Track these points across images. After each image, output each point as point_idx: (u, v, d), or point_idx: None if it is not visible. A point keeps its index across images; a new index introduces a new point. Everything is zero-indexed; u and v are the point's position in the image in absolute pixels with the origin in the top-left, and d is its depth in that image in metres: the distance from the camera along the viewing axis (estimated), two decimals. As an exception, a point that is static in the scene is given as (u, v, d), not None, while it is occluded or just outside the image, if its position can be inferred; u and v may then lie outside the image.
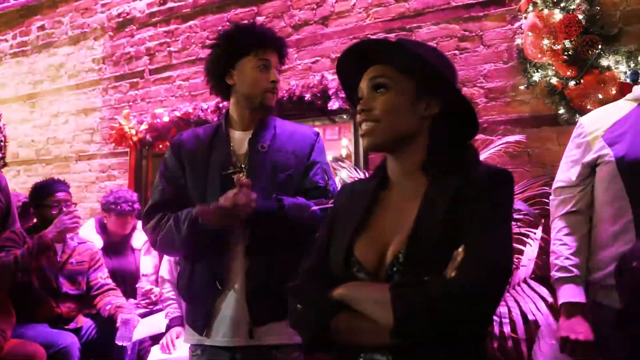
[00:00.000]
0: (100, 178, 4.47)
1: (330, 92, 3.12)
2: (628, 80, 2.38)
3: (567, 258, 1.76)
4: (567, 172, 1.85)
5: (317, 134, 1.86)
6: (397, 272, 1.01)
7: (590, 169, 1.79)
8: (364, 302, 0.99)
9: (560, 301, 1.77)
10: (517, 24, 2.72)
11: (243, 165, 1.74)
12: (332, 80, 3.19)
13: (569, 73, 2.51)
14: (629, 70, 2.41)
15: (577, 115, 2.54)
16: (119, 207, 3.27)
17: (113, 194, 3.36)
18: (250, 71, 1.76)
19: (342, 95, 3.11)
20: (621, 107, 1.80)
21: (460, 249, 0.93)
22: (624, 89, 2.36)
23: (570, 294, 1.73)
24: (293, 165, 1.74)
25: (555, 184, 1.88)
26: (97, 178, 4.48)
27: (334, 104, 3.08)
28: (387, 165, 1.16)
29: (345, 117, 3.22)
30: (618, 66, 2.43)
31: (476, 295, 0.90)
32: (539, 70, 2.62)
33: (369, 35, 3.24)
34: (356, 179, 2.62)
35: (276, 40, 1.82)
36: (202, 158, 1.78)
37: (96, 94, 4.57)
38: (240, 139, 1.79)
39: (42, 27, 5.00)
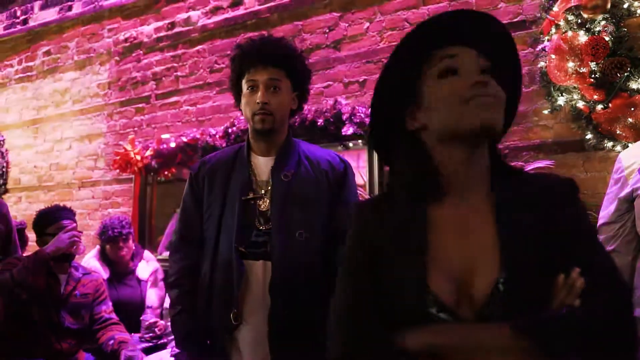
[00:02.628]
0: (104, 205, 4.35)
1: (344, 117, 3.02)
2: (660, 104, 2.28)
3: None
4: (606, 209, 1.79)
5: (346, 165, 1.71)
6: (500, 306, 0.84)
7: (627, 204, 1.72)
8: (477, 351, 0.81)
9: None
10: (539, 47, 2.63)
11: (264, 192, 1.64)
12: (345, 104, 3.09)
13: (596, 97, 2.41)
14: (660, 93, 2.32)
15: (606, 140, 2.44)
16: (103, 236, 3.24)
17: (102, 223, 3.33)
18: (244, 94, 1.67)
19: (356, 120, 3.01)
20: None
21: (574, 274, 0.83)
22: (656, 113, 2.26)
23: None
24: (320, 197, 1.61)
25: (598, 222, 1.80)
26: (101, 205, 4.36)
27: (348, 130, 2.97)
28: (439, 168, 0.99)
29: (360, 143, 3.10)
30: (647, 89, 2.33)
31: (622, 321, 0.82)
32: (563, 94, 2.52)
33: (382, 59, 3.16)
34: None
35: (265, 56, 1.63)
36: (220, 182, 1.69)
37: (101, 119, 4.48)
38: (261, 164, 1.69)
39: (47, 52, 4.95)
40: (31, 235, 3.10)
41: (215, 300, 1.62)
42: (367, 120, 2.98)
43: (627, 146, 2.38)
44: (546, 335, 0.78)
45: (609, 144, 2.44)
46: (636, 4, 2.45)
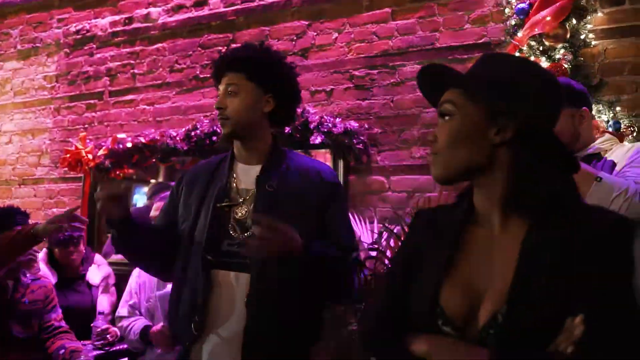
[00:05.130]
0: (47, 204, 4.13)
1: (312, 126, 3.04)
2: (611, 130, 2.47)
3: None
4: None
5: (338, 181, 1.71)
6: (494, 335, 0.88)
7: None
8: None
9: None
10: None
11: (242, 200, 1.61)
12: (313, 113, 3.12)
13: (554, 119, 2.57)
14: (610, 119, 2.51)
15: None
16: (52, 239, 3.06)
17: None
18: None
19: (324, 129, 3.04)
20: None
21: (577, 319, 0.80)
22: (608, 138, 2.45)
23: None
24: (306, 211, 1.58)
25: None
26: (44, 204, 4.14)
27: (316, 139, 3.00)
28: (473, 193, 1.02)
29: (327, 152, 3.12)
30: (600, 115, 2.52)
31: None
32: (524, 115, 2.67)
33: (350, 70, 3.22)
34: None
35: (223, 64, 1.64)
36: (198, 189, 1.67)
37: (46, 113, 4.25)
38: (244, 172, 1.66)
39: (-14, 38, 4.64)
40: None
41: (181, 307, 1.60)
42: (334, 129, 3.03)
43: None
44: None
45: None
46: (591, 35, 2.64)
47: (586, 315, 0.80)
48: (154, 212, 2.72)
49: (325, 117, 3.04)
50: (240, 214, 1.60)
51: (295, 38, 3.40)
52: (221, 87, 1.63)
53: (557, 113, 0.99)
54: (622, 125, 2.47)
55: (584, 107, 1.88)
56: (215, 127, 3.28)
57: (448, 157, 0.97)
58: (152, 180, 3.81)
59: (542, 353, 0.82)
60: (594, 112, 2.50)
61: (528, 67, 1.01)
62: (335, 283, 1.60)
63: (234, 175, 1.66)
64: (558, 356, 0.80)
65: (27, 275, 2.76)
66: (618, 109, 2.55)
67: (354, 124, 3.02)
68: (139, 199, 3.87)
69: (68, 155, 3.74)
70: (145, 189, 3.72)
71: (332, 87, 3.25)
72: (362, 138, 3.02)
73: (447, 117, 0.98)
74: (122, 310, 2.77)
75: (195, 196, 1.66)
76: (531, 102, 0.94)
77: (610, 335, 0.80)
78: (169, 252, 1.66)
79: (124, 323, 2.68)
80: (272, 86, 1.64)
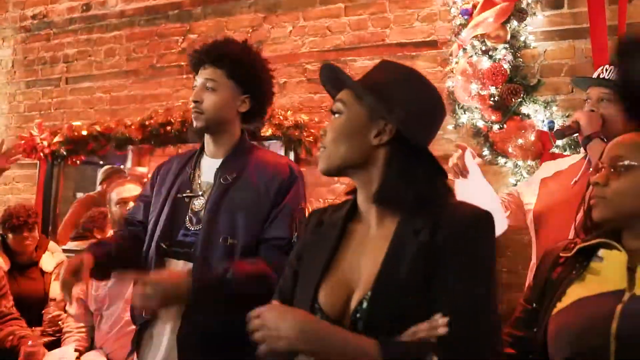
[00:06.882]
0: (3, 190, 4.10)
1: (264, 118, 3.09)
2: (545, 129, 2.59)
3: None
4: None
5: (296, 172, 1.67)
6: (360, 319, 0.95)
7: None
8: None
9: None
10: (448, 67, 2.86)
11: (201, 193, 1.65)
12: (265, 105, 3.16)
13: (493, 117, 2.68)
14: (546, 119, 2.62)
15: (499, 157, 2.72)
16: (7, 224, 3.06)
17: (6, 211, 3.15)
18: None
19: (275, 122, 3.10)
20: None
21: (443, 320, 0.87)
22: (541, 137, 2.57)
23: None
24: (256, 205, 1.58)
25: None
26: (-2, 184, 4.11)
27: (267, 131, 3.06)
28: (356, 192, 1.08)
29: (278, 143, 3.19)
30: (537, 115, 2.63)
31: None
32: (466, 112, 2.77)
33: (303, 63, 3.27)
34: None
35: (204, 57, 1.64)
36: (168, 180, 1.71)
37: (2, 99, 4.20)
38: (208, 165, 1.69)
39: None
40: None
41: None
42: (285, 122, 3.08)
43: (517, 164, 2.69)
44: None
45: (502, 161, 2.72)
46: (531, 37, 2.75)
47: (445, 306, 0.88)
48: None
49: (276, 109, 3.10)
50: (197, 206, 1.64)
51: (250, 30, 3.43)
52: (199, 80, 1.64)
53: (432, 123, 1.06)
54: (555, 125, 2.58)
55: None
56: (169, 118, 3.30)
57: (331, 152, 1.03)
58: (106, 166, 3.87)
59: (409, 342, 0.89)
60: (530, 112, 2.62)
61: (411, 77, 1.07)
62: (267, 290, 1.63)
63: (199, 168, 1.71)
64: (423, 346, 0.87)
65: (-22, 262, 2.77)
66: (554, 108, 2.66)
67: (304, 118, 3.08)
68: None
69: (23, 142, 3.72)
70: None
71: (285, 79, 3.30)
72: (312, 131, 3.09)
73: (336, 115, 1.05)
74: (70, 308, 2.81)
75: (165, 188, 1.71)
76: (406, 108, 1.01)
77: (461, 327, 0.87)
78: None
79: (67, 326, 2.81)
80: (250, 87, 1.65)
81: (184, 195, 1.66)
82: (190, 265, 1.57)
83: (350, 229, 1.07)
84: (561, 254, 1.25)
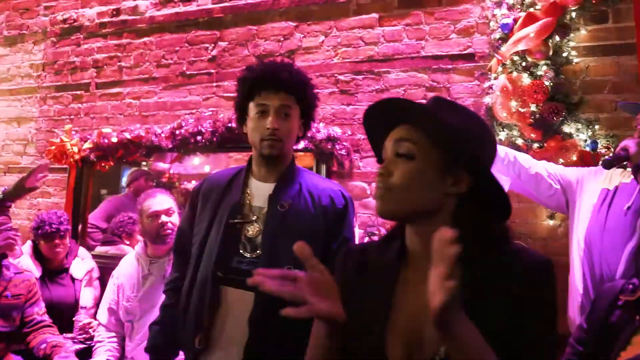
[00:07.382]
0: (33, 194, 4.11)
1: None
2: (588, 149, 2.51)
3: None
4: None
5: (349, 200, 1.68)
6: None
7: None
8: None
9: None
10: (487, 83, 2.78)
11: (255, 218, 1.63)
12: (297, 117, 3.13)
13: (533, 136, 2.61)
14: (589, 138, 2.54)
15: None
16: (39, 231, 3.10)
17: (38, 217, 3.18)
18: (252, 118, 1.65)
19: (308, 134, 3.05)
20: None
21: None
22: (584, 157, 2.49)
23: None
24: (315, 234, 1.56)
25: None
26: (29, 194, 4.13)
27: (299, 144, 3.01)
28: (405, 233, 1.03)
29: (309, 156, 3.15)
30: (578, 134, 2.55)
31: None
32: (504, 129, 2.70)
33: (335, 74, 3.22)
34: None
35: (279, 81, 1.62)
36: (212, 202, 1.69)
37: (32, 102, 4.22)
38: (258, 189, 1.67)
39: (-28, 23, 4.57)
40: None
41: (187, 320, 1.63)
42: (318, 135, 3.04)
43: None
44: None
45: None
46: (573, 52, 2.66)
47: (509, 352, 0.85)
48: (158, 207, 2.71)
49: (309, 122, 3.05)
50: (251, 232, 1.62)
51: (282, 39, 3.39)
52: (273, 105, 1.61)
53: (494, 157, 1.02)
54: (598, 145, 2.50)
55: None
56: (199, 127, 3.28)
57: (401, 197, 0.96)
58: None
59: None
60: (572, 131, 2.54)
61: (483, 125, 1.02)
62: None
63: (248, 191, 1.68)
64: None
65: (10, 269, 2.79)
66: (597, 127, 2.58)
67: (337, 131, 3.04)
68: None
69: (53, 148, 3.74)
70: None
71: (317, 90, 3.25)
72: (345, 144, 3.05)
73: (404, 156, 0.97)
74: (101, 317, 2.83)
75: (208, 209, 1.68)
76: (482, 159, 0.97)
77: None
78: None
79: (98, 335, 2.83)
80: (307, 113, 1.70)
81: (236, 221, 1.62)
82: (248, 293, 1.54)
83: (402, 273, 1.01)
84: (621, 297, 1.19)
